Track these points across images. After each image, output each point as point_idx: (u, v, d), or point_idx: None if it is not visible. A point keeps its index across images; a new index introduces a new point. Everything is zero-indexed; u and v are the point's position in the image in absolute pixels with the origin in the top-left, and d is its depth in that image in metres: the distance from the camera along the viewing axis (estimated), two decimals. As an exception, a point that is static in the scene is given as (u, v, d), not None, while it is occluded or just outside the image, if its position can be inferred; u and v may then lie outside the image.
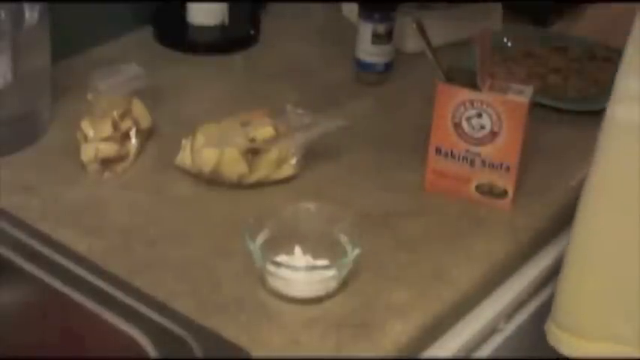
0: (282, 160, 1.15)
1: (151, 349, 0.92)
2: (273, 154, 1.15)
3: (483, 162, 1.13)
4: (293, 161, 1.16)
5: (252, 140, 1.15)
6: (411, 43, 1.41)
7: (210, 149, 1.13)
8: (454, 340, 1.04)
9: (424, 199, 1.15)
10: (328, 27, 1.55)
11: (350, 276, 1.01)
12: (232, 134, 1.15)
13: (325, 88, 1.36)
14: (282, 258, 1.02)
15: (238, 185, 1.14)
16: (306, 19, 1.57)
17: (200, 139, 1.15)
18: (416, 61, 1.37)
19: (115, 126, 1.17)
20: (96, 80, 1.24)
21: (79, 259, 1.02)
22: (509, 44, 1.48)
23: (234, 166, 1.14)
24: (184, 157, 1.16)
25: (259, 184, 1.15)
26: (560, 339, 1.07)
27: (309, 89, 1.35)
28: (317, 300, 1.00)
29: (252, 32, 1.49)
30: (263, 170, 1.15)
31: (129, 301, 0.97)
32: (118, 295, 0.97)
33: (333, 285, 1.00)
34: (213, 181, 1.15)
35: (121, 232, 1.08)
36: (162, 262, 1.04)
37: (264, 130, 1.15)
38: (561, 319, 1.07)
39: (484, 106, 1.11)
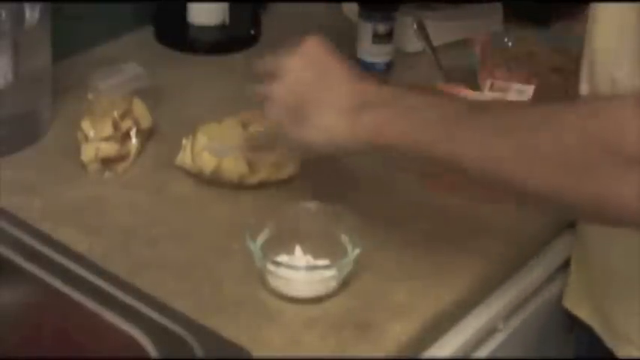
0: (282, 161, 1.15)
1: (151, 349, 0.92)
2: (273, 154, 1.15)
3: (484, 162, 1.13)
4: (294, 162, 1.16)
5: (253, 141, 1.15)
6: (412, 42, 1.41)
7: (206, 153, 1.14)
8: (454, 340, 1.04)
9: (424, 199, 1.15)
10: (329, 27, 1.55)
11: (350, 276, 1.01)
12: (233, 135, 1.15)
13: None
14: (282, 258, 1.02)
15: (239, 185, 1.14)
16: (307, 18, 1.57)
17: (201, 139, 1.15)
18: (416, 60, 1.37)
19: (116, 126, 1.17)
20: (96, 80, 1.24)
21: (80, 259, 1.02)
22: (510, 44, 1.47)
23: (235, 167, 1.14)
24: (185, 157, 1.16)
25: (260, 185, 1.15)
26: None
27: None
28: (317, 300, 1.00)
29: (252, 32, 1.49)
30: (264, 171, 1.15)
31: (129, 300, 0.97)
32: (119, 294, 0.97)
33: (333, 285, 1.00)
34: (213, 181, 1.15)
35: (121, 231, 1.08)
36: (163, 262, 1.04)
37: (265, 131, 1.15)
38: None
39: (484, 106, 1.11)
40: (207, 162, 1.14)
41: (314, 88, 0.98)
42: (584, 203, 0.81)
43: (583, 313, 1.11)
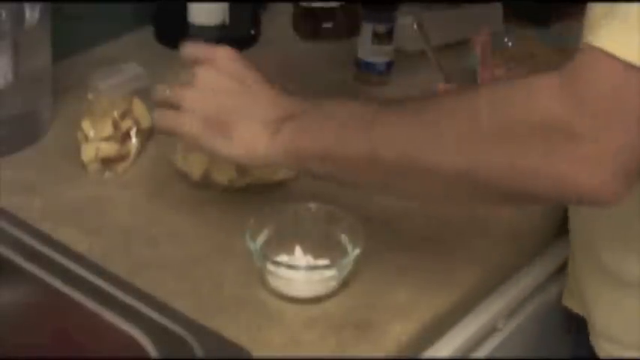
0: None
1: (151, 349, 0.92)
2: None
3: (484, 162, 1.13)
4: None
5: None
6: (412, 43, 1.41)
7: (200, 154, 1.13)
8: (454, 340, 1.04)
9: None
10: (329, 27, 1.55)
11: (350, 276, 1.01)
12: None
13: (326, 88, 1.36)
14: (282, 258, 1.02)
15: (228, 188, 1.13)
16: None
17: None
18: (416, 60, 1.37)
19: (116, 126, 1.17)
20: (96, 80, 1.24)
21: (80, 259, 1.02)
22: (510, 44, 1.48)
23: (224, 172, 1.13)
24: (178, 158, 1.15)
25: (250, 187, 1.14)
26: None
27: (310, 89, 1.35)
28: (317, 300, 1.00)
29: (252, 32, 1.49)
30: (256, 174, 1.14)
31: (129, 300, 0.97)
32: (119, 294, 0.97)
33: (333, 285, 1.00)
34: (203, 184, 1.14)
35: (121, 231, 1.08)
36: (163, 262, 1.04)
37: None
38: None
39: (484, 106, 1.11)
40: (197, 166, 1.13)
41: (234, 96, 0.94)
42: (500, 174, 0.81)
43: (574, 306, 1.12)
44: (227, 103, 0.94)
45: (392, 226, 1.10)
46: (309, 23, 1.49)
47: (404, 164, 0.86)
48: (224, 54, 0.98)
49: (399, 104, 0.89)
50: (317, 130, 0.92)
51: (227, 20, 1.48)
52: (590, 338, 1.08)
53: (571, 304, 1.13)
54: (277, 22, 1.53)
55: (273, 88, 0.97)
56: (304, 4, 1.48)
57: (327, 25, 1.47)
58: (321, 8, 1.47)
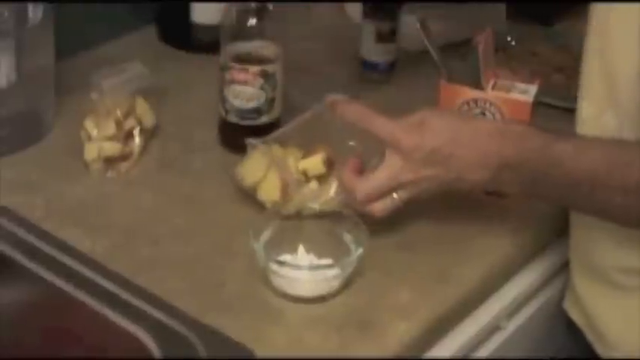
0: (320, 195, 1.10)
1: (154, 348, 0.93)
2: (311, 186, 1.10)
3: (487, 161, 1.13)
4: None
5: (303, 173, 1.11)
6: (415, 42, 1.40)
7: (254, 167, 1.11)
8: (457, 340, 1.04)
9: (428, 199, 1.15)
10: (332, 26, 1.55)
11: (353, 275, 1.01)
12: (286, 162, 1.11)
13: (329, 87, 1.35)
14: (285, 257, 1.02)
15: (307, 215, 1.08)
16: (310, 18, 1.57)
17: (255, 156, 1.11)
18: (420, 59, 1.37)
19: (119, 125, 1.17)
20: (99, 79, 1.24)
21: (83, 258, 1.02)
22: (513, 43, 1.47)
23: (269, 193, 1.10)
24: (249, 186, 1.12)
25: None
26: None
27: (313, 88, 1.35)
28: (320, 299, 1.00)
29: (255, 31, 1.49)
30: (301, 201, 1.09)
31: (132, 299, 0.97)
32: (122, 293, 0.97)
33: (336, 284, 1.00)
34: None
35: (124, 230, 1.08)
36: (166, 261, 1.04)
37: (315, 166, 1.11)
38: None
39: (487, 105, 1.11)
40: (251, 176, 1.11)
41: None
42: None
43: (575, 315, 1.13)
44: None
45: (395, 226, 1.10)
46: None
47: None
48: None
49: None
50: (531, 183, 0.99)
51: (230, 19, 1.48)
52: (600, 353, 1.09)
53: (573, 314, 1.13)
54: (278, 21, 1.53)
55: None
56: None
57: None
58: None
